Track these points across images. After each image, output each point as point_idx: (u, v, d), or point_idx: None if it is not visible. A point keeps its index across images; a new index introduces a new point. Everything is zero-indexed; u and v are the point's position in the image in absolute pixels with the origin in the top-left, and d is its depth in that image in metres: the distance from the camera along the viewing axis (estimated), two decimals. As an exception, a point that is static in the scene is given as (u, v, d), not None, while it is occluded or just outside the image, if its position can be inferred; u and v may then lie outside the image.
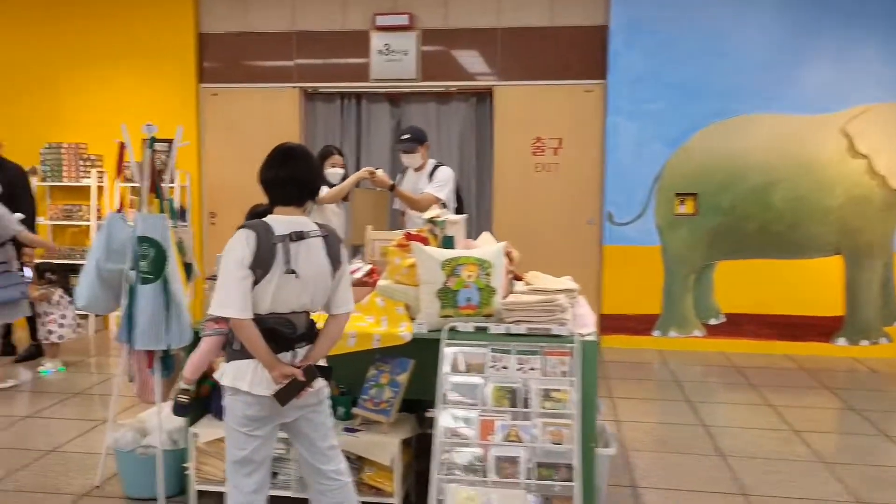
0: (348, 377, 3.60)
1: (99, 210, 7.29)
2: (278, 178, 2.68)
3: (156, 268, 3.48)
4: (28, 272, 5.81)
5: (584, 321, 3.57)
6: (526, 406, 3.22)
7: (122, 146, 3.50)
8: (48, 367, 5.87)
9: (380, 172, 4.98)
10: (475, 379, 3.28)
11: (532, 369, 3.29)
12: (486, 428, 3.19)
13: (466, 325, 3.36)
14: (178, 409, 3.35)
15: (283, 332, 2.61)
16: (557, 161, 6.82)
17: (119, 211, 3.76)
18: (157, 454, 3.55)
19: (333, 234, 2.75)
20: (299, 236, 2.60)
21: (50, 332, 5.83)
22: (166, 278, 3.49)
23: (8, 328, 6.05)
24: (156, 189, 3.56)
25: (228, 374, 2.66)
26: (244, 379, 2.60)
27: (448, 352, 3.33)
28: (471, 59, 6.94)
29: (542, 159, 6.84)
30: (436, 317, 3.41)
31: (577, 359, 3.26)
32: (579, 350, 3.26)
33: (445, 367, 3.31)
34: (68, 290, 6.34)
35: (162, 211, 3.56)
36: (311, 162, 2.79)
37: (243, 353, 2.61)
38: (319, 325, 2.78)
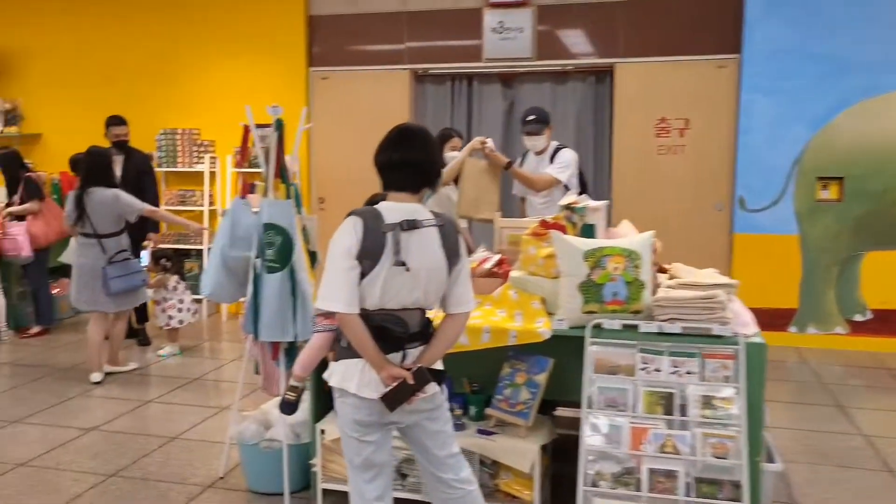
0: (480, 374, 3.37)
1: (211, 196, 7.36)
2: (393, 161, 2.45)
3: (282, 256, 3.35)
4: (145, 258, 5.89)
5: (742, 319, 3.20)
6: (683, 414, 2.90)
7: (246, 129, 3.39)
8: (167, 350, 5.93)
9: (490, 143, 4.68)
10: (624, 382, 2.98)
11: (689, 373, 2.96)
12: (638, 437, 2.89)
13: (612, 322, 3.06)
14: (286, 407, 3.16)
15: (392, 331, 2.39)
16: (684, 143, 6.35)
17: (243, 196, 3.62)
18: (282, 449, 3.42)
19: (450, 224, 2.50)
20: (411, 225, 2.37)
21: (170, 317, 5.88)
22: (293, 267, 3.36)
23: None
24: (281, 174, 3.41)
25: (336, 374, 2.48)
26: (352, 380, 2.41)
27: (591, 351, 3.04)
28: (590, 36, 6.54)
29: (666, 141, 6.38)
30: (578, 312, 3.12)
31: (741, 362, 2.90)
32: (744, 353, 2.91)
33: (590, 368, 3.03)
34: (182, 276, 6.42)
35: (288, 196, 3.41)
36: (431, 145, 2.53)
37: (352, 352, 2.41)
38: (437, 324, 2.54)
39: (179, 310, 5.91)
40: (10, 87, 7.89)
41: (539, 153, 4.91)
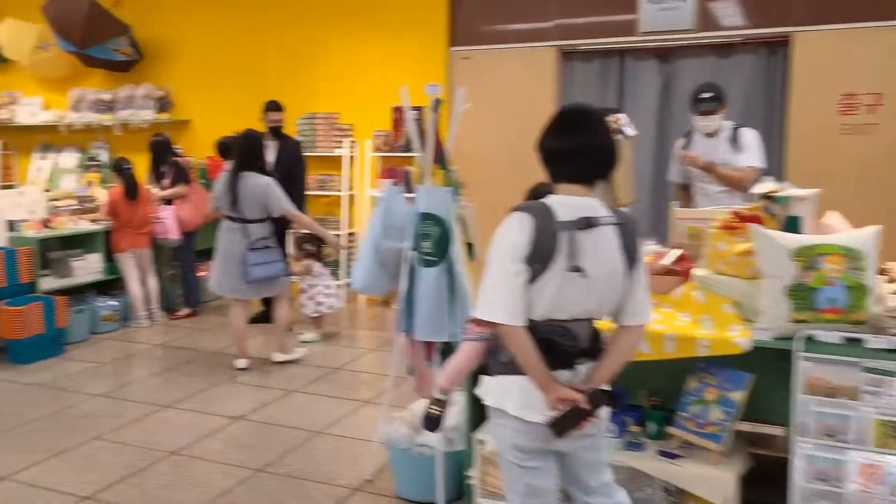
0: (658, 385, 2.97)
1: (350, 181, 7.27)
2: (565, 149, 2.11)
3: (440, 249, 3.08)
4: (289, 245, 5.83)
5: None
6: (926, 451, 2.38)
7: (399, 111, 3.17)
8: (309, 337, 5.85)
9: (622, 119, 4.05)
10: (846, 407, 2.49)
11: (933, 401, 2.43)
12: (867, 475, 2.40)
13: (830, 334, 2.57)
14: (429, 423, 2.78)
15: (560, 345, 2.07)
16: (875, 121, 5.56)
17: (396, 183, 3.37)
18: (436, 458, 3.17)
19: (630, 221, 2.15)
20: (588, 224, 2.03)
21: (319, 304, 5.79)
22: (451, 261, 3.07)
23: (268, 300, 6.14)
24: (440, 158, 3.12)
25: (492, 391, 2.18)
26: (512, 400, 2.11)
27: (803, 368, 2.57)
28: (761, 2, 5.85)
29: (852, 119, 5.62)
30: (784, 321, 2.65)
31: None
32: None
33: (801, 389, 2.56)
34: (323, 262, 6.34)
35: (446, 183, 3.13)
36: (607, 130, 2.17)
37: (511, 368, 2.11)
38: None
39: (327, 296, 5.82)
40: (162, 75, 8.15)
41: (710, 135, 4.38)
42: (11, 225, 5.90)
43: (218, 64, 7.84)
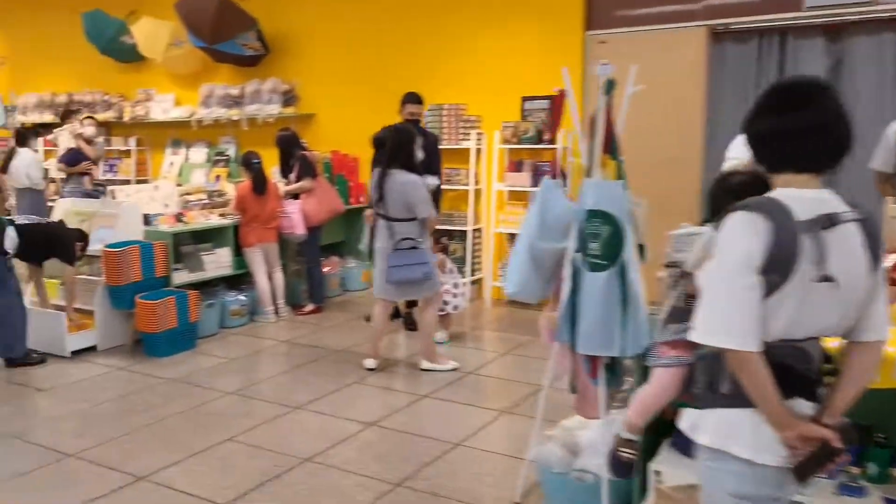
0: (878, 416, 2.48)
1: (476, 174, 6.98)
2: (793, 130, 1.69)
3: (610, 251, 2.70)
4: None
5: None
6: None
7: (561, 95, 2.85)
8: (438, 337, 5.59)
9: None
10: None
11: None
12: None
13: None
14: (619, 469, 2.49)
15: (795, 370, 1.69)
16: None
17: (555, 177, 3.02)
18: (596, 483, 2.81)
19: (872, 216, 1.71)
20: (831, 221, 1.63)
21: (446, 303, 5.52)
22: (623, 264, 2.69)
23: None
24: (611, 147, 2.74)
25: (709, 428, 1.78)
26: (738, 439, 1.72)
27: None
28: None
29: None
30: None
31: None
32: None
33: None
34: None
35: (619, 176, 2.75)
36: (842, 105, 1.72)
37: (735, 400, 1.72)
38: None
39: (455, 295, 5.54)
40: (287, 69, 8.15)
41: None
42: (147, 219, 5.97)
43: (342, 57, 7.74)
